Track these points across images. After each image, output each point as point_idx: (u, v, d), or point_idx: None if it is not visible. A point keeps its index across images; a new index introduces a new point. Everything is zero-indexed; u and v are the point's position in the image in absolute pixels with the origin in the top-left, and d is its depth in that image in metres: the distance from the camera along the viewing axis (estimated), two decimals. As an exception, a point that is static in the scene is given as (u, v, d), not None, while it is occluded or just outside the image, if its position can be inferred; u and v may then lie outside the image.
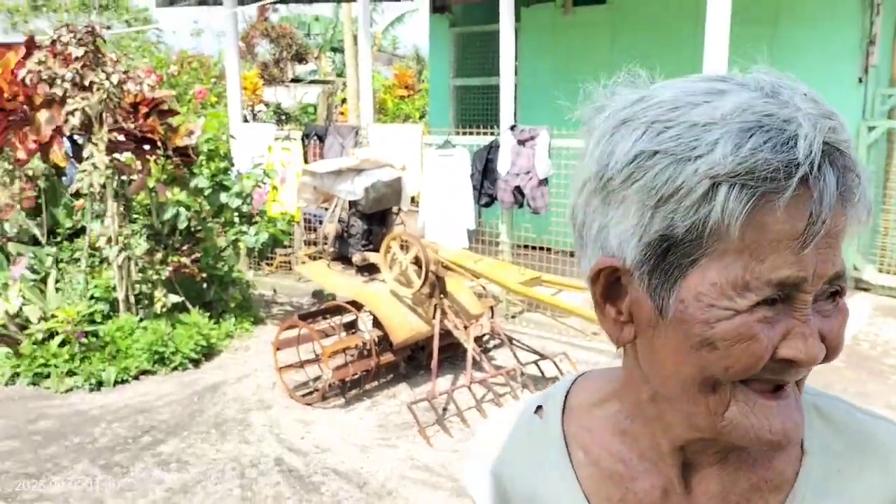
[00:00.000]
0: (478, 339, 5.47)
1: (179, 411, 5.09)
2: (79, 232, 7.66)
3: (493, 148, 6.87)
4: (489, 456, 0.87)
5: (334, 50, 20.87)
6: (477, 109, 9.58)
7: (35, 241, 7.13)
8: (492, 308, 6.13)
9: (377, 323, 5.40)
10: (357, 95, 13.27)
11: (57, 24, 23.17)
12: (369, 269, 5.74)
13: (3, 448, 4.52)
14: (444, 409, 4.92)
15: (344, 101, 16.87)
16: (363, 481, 4.07)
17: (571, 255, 6.72)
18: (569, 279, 5.59)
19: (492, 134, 7.03)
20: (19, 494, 3.95)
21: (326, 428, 4.79)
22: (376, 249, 5.64)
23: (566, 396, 0.85)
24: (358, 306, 5.49)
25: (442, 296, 5.28)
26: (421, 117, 15.27)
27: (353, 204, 5.79)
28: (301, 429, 4.78)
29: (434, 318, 5.26)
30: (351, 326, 5.83)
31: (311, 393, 5.28)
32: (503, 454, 0.86)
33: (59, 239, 7.46)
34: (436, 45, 10.34)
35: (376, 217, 5.88)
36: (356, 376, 5.31)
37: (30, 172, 7.53)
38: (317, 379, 5.39)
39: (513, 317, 6.98)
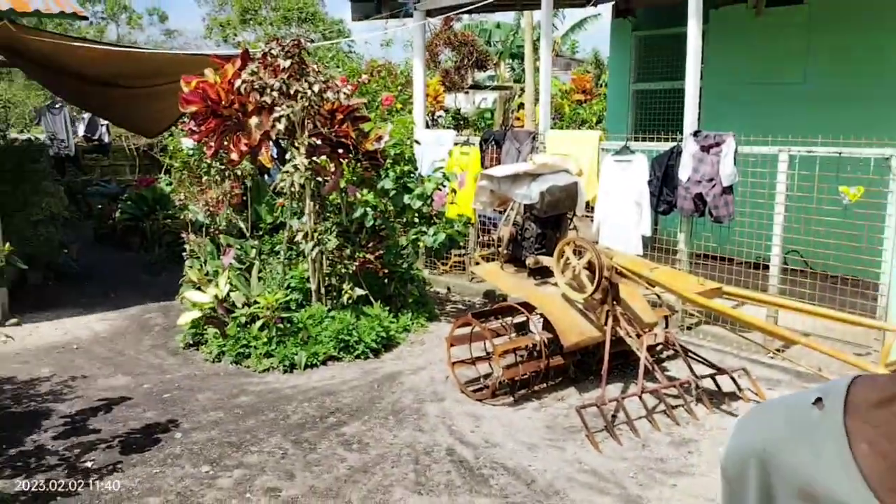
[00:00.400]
0: (650, 349, 5.39)
1: (361, 396, 5.45)
2: (278, 227, 8.40)
3: (674, 154, 6.71)
4: (755, 441, 0.90)
5: (513, 56, 21.15)
6: (657, 114, 9.38)
7: (241, 235, 7.90)
8: (666, 318, 6.01)
9: (548, 325, 5.48)
10: (534, 101, 13.39)
11: (263, 36, 25.24)
12: (542, 273, 5.83)
13: (210, 418, 5.08)
14: (614, 416, 4.90)
15: (521, 106, 17.02)
16: (531, 479, 4.17)
17: (755, 266, 6.43)
18: (752, 292, 5.36)
19: (673, 140, 6.88)
20: (223, 460, 4.43)
21: (495, 424, 4.94)
22: (549, 253, 5.71)
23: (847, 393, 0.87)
24: (529, 308, 5.59)
25: (615, 302, 5.27)
26: (598, 122, 15.10)
27: (528, 208, 5.90)
28: (471, 422, 4.96)
29: (606, 324, 5.25)
30: (521, 327, 5.94)
31: (481, 389, 5.45)
32: (773, 442, 0.88)
33: (260, 233, 8.21)
34: (617, 49, 10.23)
35: (551, 221, 5.96)
36: (525, 376, 5.41)
37: (238, 172, 8.36)
38: (487, 376, 5.56)
39: (688, 328, 6.78)
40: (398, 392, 5.55)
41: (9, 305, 7.57)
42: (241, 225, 8.03)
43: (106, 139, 15.66)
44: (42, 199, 8.92)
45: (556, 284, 5.52)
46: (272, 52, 6.23)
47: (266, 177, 9.46)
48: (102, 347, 6.76)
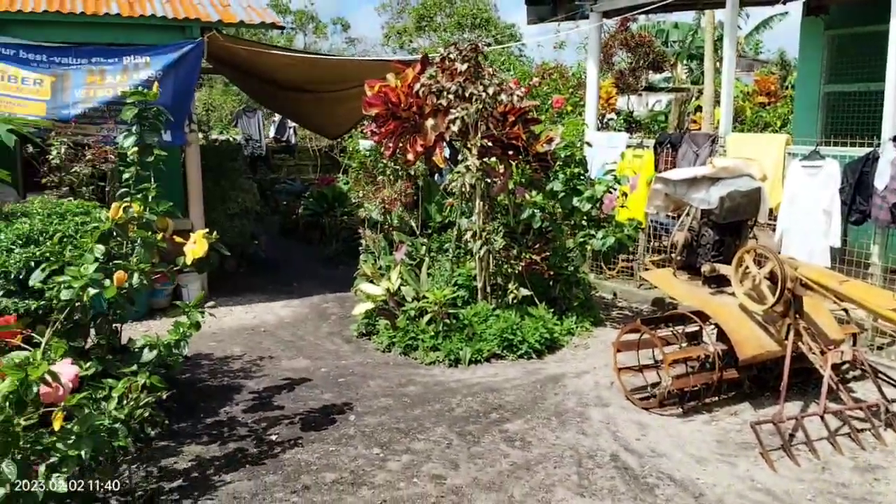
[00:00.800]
0: (835, 367, 5.02)
1: (523, 395, 5.50)
2: (446, 226, 8.65)
3: (869, 160, 6.21)
4: None
5: (691, 57, 20.36)
6: (851, 118, 8.68)
7: (411, 232, 8.22)
8: (854, 335, 5.58)
9: (722, 336, 5.26)
10: (713, 103, 12.82)
11: (437, 42, 25.99)
12: (717, 281, 5.59)
13: (381, 404, 5.34)
14: (791, 435, 4.62)
15: (698, 109, 16.34)
16: (699, 492, 4.03)
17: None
18: (959, 312, 4.84)
19: (868, 145, 6.36)
20: (392, 445, 4.65)
21: (662, 434, 4.81)
22: (727, 261, 5.48)
23: None
24: (703, 317, 5.39)
25: (797, 316, 4.96)
26: (782, 126, 14.19)
27: (705, 213, 5.69)
28: (636, 430, 4.86)
29: (786, 338, 4.96)
30: (693, 337, 5.73)
31: (648, 398, 5.33)
32: None
33: (430, 231, 8.50)
34: (807, 49, 9.56)
35: (730, 228, 5.70)
36: (695, 388, 5.22)
37: (412, 172, 8.70)
38: (655, 385, 5.42)
39: (879, 348, 6.24)
40: (561, 394, 5.54)
41: (207, 289, 8.35)
42: (412, 223, 8.35)
43: (293, 140, 16.83)
44: (238, 195, 9.75)
45: (732, 294, 5.28)
46: (450, 55, 6.44)
47: (436, 177, 9.77)
48: (286, 331, 7.29)
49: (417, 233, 8.20)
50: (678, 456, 4.49)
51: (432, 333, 6.32)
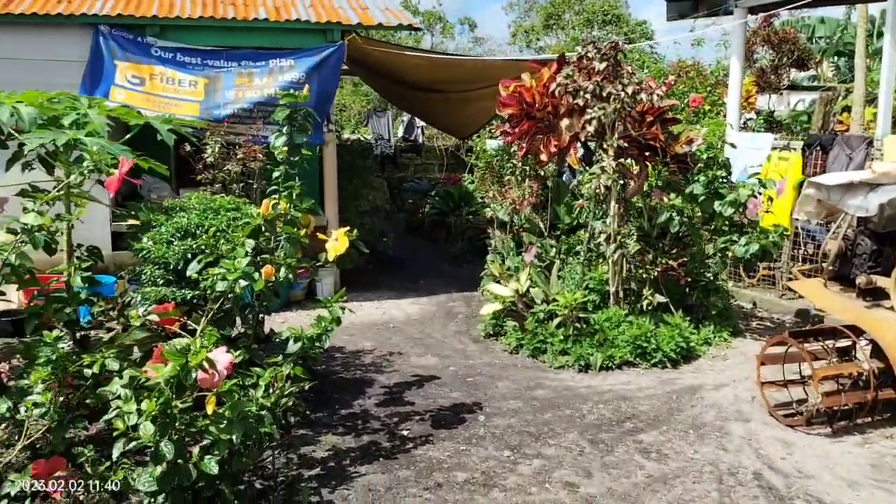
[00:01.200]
0: None
1: (658, 406, 5.32)
2: (575, 227, 8.52)
3: None
4: None
5: (839, 54, 19.08)
6: None
7: (539, 233, 8.14)
8: None
9: (878, 353, 4.89)
10: (864, 103, 11.95)
11: (565, 40, 25.69)
12: (874, 294, 5.20)
13: (510, 406, 5.31)
14: (961, 467, 4.23)
15: (845, 109, 15.31)
16: (854, 520, 3.76)
17: None
18: None
19: None
20: (522, 448, 4.61)
21: (809, 453, 4.52)
22: (885, 273, 5.09)
23: None
24: (856, 332, 5.03)
25: (971, 335, 4.53)
26: (945, 128, 13.03)
27: (862, 221, 5.31)
28: (781, 448, 4.60)
29: (956, 359, 4.54)
30: (845, 353, 5.35)
31: (794, 415, 5.02)
32: None
33: (558, 232, 8.39)
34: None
35: (889, 237, 5.29)
36: (847, 407, 4.88)
37: (542, 173, 8.63)
38: (802, 401, 5.10)
39: None
40: (698, 406, 5.32)
41: (339, 283, 8.61)
42: (540, 224, 8.28)
43: (420, 140, 17.12)
44: (369, 193, 10.01)
45: (891, 308, 4.90)
46: (588, 54, 6.32)
47: (563, 177, 9.64)
48: (413, 328, 7.41)
49: (546, 234, 8.12)
50: (827, 478, 4.21)
51: (562, 337, 6.23)
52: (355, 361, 6.35)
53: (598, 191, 6.37)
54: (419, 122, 16.57)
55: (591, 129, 6.25)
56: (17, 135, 3.85)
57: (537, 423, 5.02)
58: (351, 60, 9.40)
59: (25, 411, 3.41)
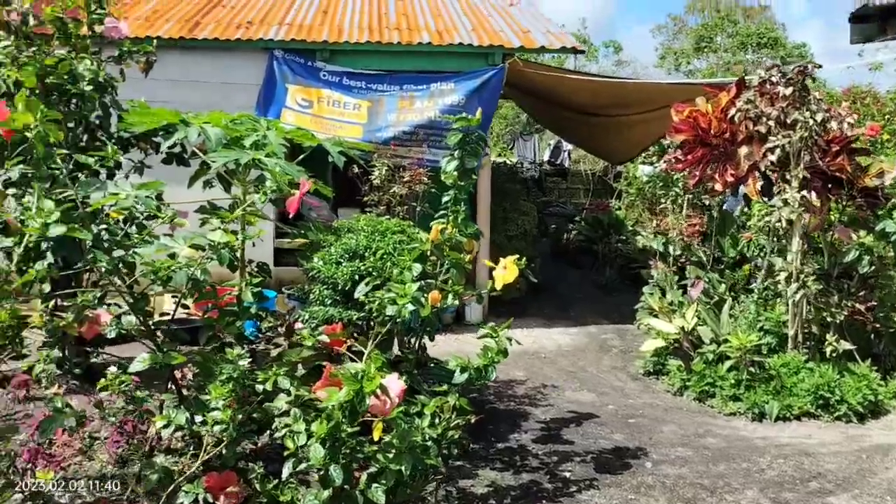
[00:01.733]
0: None
1: (846, 465, 4.78)
2: (740, 262, 7.98)
3: None
4: None
5: None
6: None
7: (700, 266, 7.67)
8: None
9: None
10: None
11: (717, 63, 24.71)
12: None
13: (678, 453, 4.94)
14: None
15: None
16: None
17: None
18: None
19: None
20: (697, 502, 4.25)
21: None
22: None
23: None
24: None
25: None
26: None
27: None
28: None
29: None
30: None
31: None
32: None
33: (722, 266, 7.89)
34: None
35: None
36: None
37: (706, 202, 8.17)
38: None
39: None
40: (894, 469, 4.74)
41: (487, 309, 8.50)
42: (702, 256, 7.81)
43: (566, 164, 16.86)
44: (518, 217, 9.86)
45: None
46: (771, 79, 5.88)
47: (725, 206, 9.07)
48: (566, 360, 7.14)
49: (707, 267, 7.64)
50: None
51: (733, 381, 5.77)
52: (508, 392, 6.17)
53: (778, 224, 5.88)
54: (566, 146, 16.32)
55: (773, 157, 5.79)
56: (200, 153, 4.00)
57: (710, 475, 4.62)
58: (507, 83, 9.32)
59: (205, 425, 3.46)
